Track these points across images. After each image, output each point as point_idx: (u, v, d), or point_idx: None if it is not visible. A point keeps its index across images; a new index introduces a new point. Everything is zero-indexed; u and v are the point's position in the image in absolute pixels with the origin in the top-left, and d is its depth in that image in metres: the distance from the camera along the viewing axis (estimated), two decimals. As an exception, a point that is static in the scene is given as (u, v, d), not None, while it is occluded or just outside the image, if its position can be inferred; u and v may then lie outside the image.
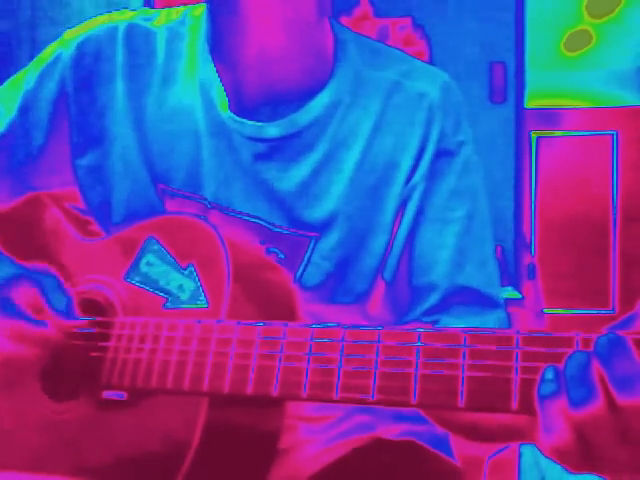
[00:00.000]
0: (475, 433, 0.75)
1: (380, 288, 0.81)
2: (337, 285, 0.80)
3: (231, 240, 0.71)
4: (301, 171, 0.78)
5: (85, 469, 0.71)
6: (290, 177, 0.78)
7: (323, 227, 0.78)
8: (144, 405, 0.69)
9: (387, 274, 0.80)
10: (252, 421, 0.70)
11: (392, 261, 0.79)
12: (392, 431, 0.87)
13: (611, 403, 0.46)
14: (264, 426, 0.71)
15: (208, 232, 0.72)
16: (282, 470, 0.78)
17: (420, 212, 0.79)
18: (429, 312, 0.78)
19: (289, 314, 0.74)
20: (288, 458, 0.81)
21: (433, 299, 0.78)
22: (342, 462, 0.83)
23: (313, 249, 0.79)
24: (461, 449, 0.92)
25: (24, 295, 0.70)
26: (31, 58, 0.88)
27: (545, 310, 3.99)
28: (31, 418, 0.76)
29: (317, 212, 0.78)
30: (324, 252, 0.79)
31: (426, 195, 0.79)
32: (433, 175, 0.79)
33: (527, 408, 0.49)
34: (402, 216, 0.79)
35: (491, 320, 0.78)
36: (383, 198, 0.79)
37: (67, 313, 0.70)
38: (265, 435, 0.71)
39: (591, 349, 0.48)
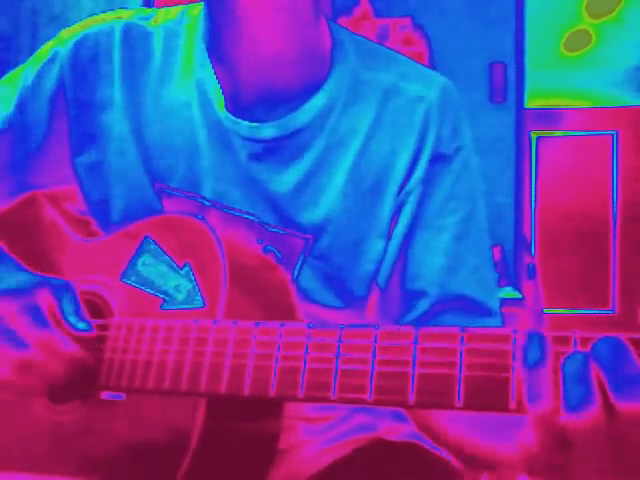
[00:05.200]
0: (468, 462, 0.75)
1: (376, 294, 0.80)
2: (333, 289, 0.79)
3: (228, 239, 0.71)
4: (295, 174, 0.78)
5: (84, 470, 0.70)
6: (284, 179, 0.78)
7: (317, 230, 0.78)
8: (143, 406, 0.69)
9: (381, 280, 0.79)
10: (251, 422, 0.69)
11: (386, 267, 0.79)
12: (392, 432, 0.87)
13: (609, 409, 0.45)
14: (263, 426, 0.71)
15: (204, 231, 0.71)
16: (281, 471, 0.78)
17: (415, 217, 0.78)
18: (419, 320, 0.77)
19: (287, 314, 0.73)
20: (288, 459, 0.80)
21: (423, 306, 0.77)
22: (342, 463, 0.83)
23: (308, 251, 0.78)
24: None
25: (46, 303, 0.69)
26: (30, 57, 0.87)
27: (545, 310, 3.99)
28: (30, 419, 0.76)
29: (311, 215, 0.78)
30: (319, 255, 0.78)
31: (422, 200, 0.78)
32: (429, 180, 0.78)
33: (525, 408, 0.49)
34: (397, 221, 0.78)
35: None
36: (378, 202, 0.78)
37: (82, 324, 0.70)
38: (264, 436, 0.70)
39: (589, 349, 0.47)
